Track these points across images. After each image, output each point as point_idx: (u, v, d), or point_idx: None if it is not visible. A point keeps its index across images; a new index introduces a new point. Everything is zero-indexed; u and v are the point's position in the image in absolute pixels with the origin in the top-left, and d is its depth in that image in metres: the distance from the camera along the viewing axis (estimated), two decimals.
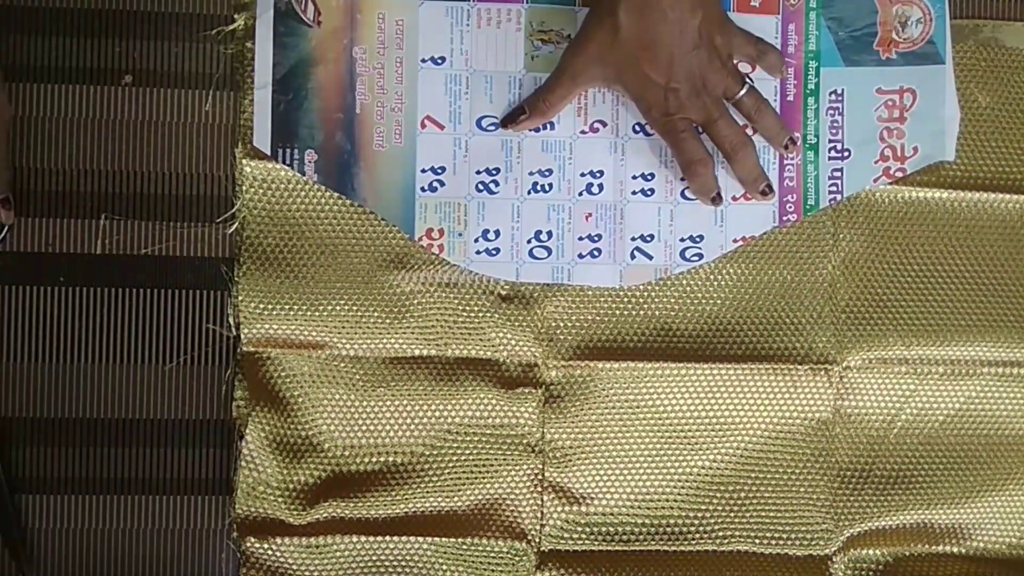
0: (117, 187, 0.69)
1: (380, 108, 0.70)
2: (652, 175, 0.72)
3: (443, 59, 0.71)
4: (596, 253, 0.71)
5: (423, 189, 0.70)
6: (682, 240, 0.72)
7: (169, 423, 0.70)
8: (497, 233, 0.71)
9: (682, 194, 0.72)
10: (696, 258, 0.72)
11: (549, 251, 0.71)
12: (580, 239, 0.71)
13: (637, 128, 0.72)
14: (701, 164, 0.69)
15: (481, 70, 0.71)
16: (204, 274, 0.70)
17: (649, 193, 0.72)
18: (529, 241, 0.71)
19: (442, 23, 0.71)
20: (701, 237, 0.72)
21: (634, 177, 0.72)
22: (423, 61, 0.71)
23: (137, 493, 0.70)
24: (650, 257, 0.71)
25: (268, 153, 0.69)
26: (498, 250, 0.71)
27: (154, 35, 0.70)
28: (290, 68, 0.70)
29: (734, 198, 0.72)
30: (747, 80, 0.70)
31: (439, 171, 0.70)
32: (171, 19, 0.70)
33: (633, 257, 0.71)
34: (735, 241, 0.72)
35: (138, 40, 0.70)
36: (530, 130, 0.71)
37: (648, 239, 0.71)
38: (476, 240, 0.71)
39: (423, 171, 0.70)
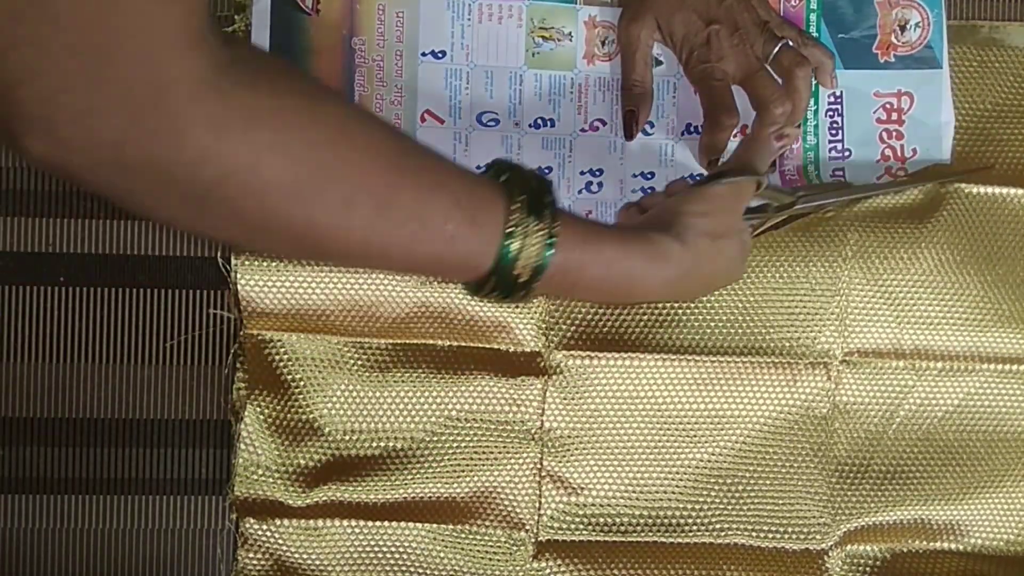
0: None
1: (379, 100, 0.70)
2: (652, 174, 0.72)
3: (443, 53, 0.71)
4: None
5: None
6: None
7: (169, 423, 0.70)
8: None
9: None
10: None
11: None
12: None
13: None
14: (727, 114, 0.67)
15: (482, 65, 0.71)
16: (204, 274, 0.70)
17: (649, 192, 0.72)
18: None
19: (443, 16, 0.71)
20: None
21: (634, 176, 0.72)
22: (423, 54, 0.71)
23: (137, 493, 0.70)
24: None
25: None
26: None
27: None
28: (287, 56, 0.69)
29: None
30: (784, 40, 0.68)
31: None
32: None
33: None
34: None
35: None
36: (530, 126, 0.71)
37: None
38: None
39: None
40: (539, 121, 0.71)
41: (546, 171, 0.71)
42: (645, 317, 0.72)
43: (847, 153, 0.73)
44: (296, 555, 0.69)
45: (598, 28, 0.72)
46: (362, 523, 0.69)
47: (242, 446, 0.69)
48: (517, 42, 0.71)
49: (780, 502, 0.73)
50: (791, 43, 0.68)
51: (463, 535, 0.70)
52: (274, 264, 0.68)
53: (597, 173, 0.72)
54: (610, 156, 0.72)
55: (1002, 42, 0.75)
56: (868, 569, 0.73)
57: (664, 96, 0.72)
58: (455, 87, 0.71)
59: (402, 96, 0.71)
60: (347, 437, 0.70)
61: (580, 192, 0.72)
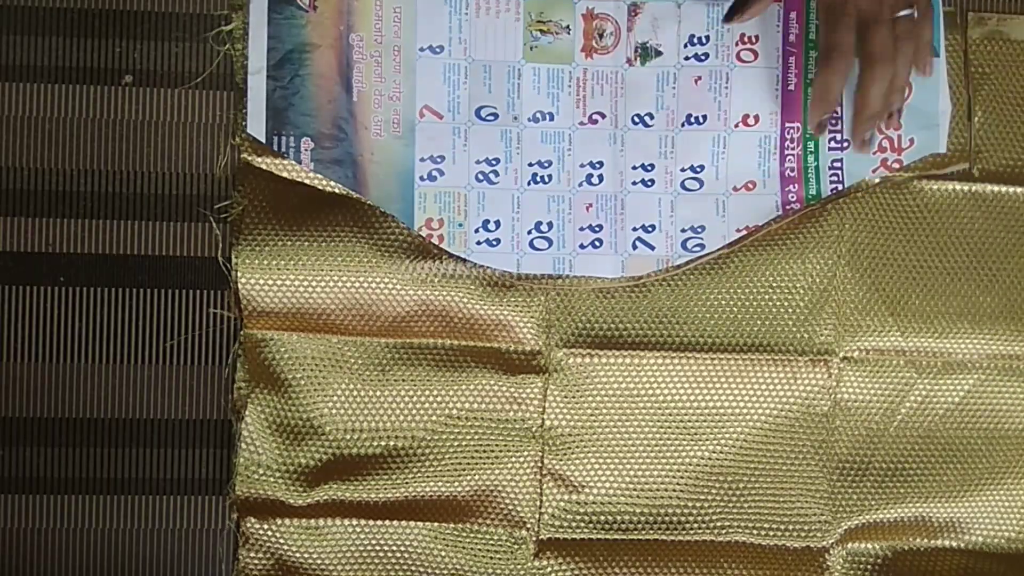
0: (117, 187, 0.70)
1: (378, 96, 0.71)
2: (652, 166, 0.72)
3: (441, 48, 0.71)
4: (597, 243, 0.71)
5: (422, 178, 0.71)
6: (683, 231, 0.72)
7: (169, 423, 0.70)
8: (497, 223, 0.71)
9: (682, 184, 0.72)
10: (698, 248, 0.72)
11: (550, 242, 0.71)
12: (581, 229, 0.71)
13: (636, 119, 0.72)
14: (840, 56, 0.65)
15: (480, 59, 0.72)
16: (204, 274, 0.70)
17: (649, 184, 0.72)
18: (529, 232, 0.71)
19: (440, 11, 0.71)
20: (703, 227, 0.72)
21: (634, 168, 0.72)
22: (421, 50, 0.71)
23: (137, 493, 0.69)
24: (652, 247, 0.72)
25: (263, 140, 0.69)
26: (499, 240, 0.71)
27: (154, 35, 0.70)
28: (285, 53, 0.70)
29: (735, 188, 0.72)
30: (913, 10, 0.66)
31: (438, 160, 0.71)
32: (171, 19, 0.70)
33: (635, 247, 0.72)
34: (738, 231, 0.72)
35: (138, 40, 0.70)
36: (529, 120, 0.71)
37: (649, 229, 0.72)
38: (476, 231, 0.71)
39: (422, 160, 0.71)
40: (538, 115, 0.72)
41: (546, 164, 0.72)
42: (645, 315, 0.71)
43: (845, 144, 0.73)
44: (297, 554, 0.69)
45: (596, 21, 0.72)
46: (363, 522, 0.69)
47: (243, 445, 0.69)
48: (515, 36, 0.72)
49: (781, 500, 0.72)
50: (917, 14, 0.66)
51: (464, 534, 0.70)
52: (274, 263, 0.68)
53: (597, 166, 0.72)
54: (610, 148, 0.72)
55: (1008, 35, 0.75)
56: (869, 567, 0.73)
57: (664, 87, 0.73)
58: (453, 82, 0.71)
59: (400, 91, 0.71)
60: (348, 436, 0.70)
61: (580, 185, 0.72)
